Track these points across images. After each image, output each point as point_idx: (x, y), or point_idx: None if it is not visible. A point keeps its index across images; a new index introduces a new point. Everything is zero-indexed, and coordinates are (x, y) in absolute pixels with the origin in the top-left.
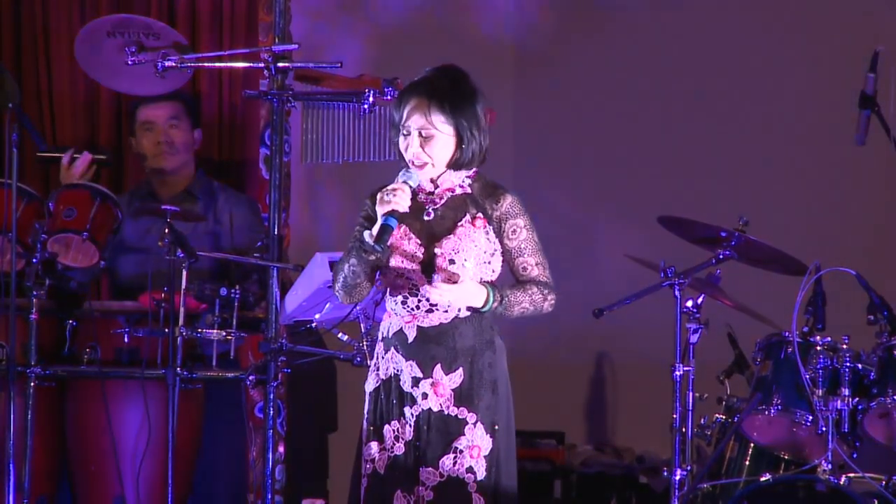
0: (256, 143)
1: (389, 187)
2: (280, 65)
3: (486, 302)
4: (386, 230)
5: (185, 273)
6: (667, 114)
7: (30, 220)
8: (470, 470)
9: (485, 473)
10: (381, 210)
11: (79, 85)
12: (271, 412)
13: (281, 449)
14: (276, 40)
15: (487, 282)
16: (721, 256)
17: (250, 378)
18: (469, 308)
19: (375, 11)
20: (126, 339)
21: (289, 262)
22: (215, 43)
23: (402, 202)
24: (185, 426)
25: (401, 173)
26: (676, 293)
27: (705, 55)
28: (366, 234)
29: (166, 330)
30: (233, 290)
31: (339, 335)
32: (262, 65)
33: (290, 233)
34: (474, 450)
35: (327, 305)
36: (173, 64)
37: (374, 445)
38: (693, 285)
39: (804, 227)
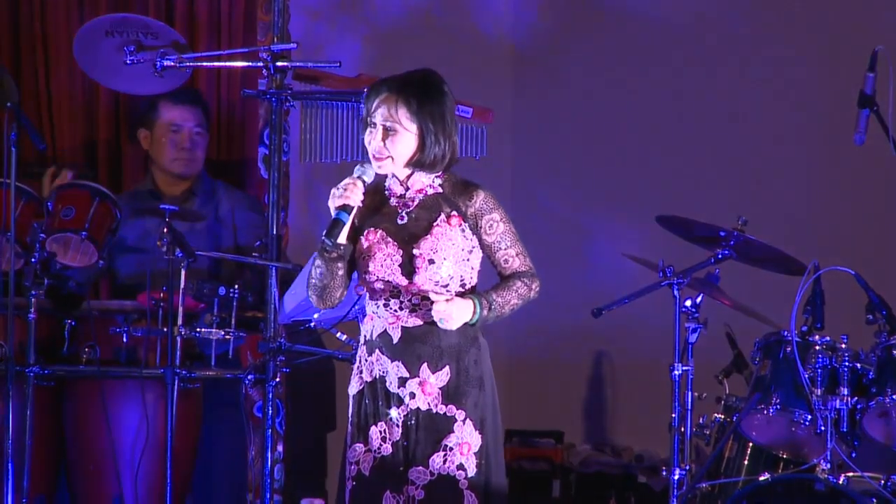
0: (255, 143)
1: (342, 183)
2: (279, 64)
3: (474, 313)
4: (336, 224)
5: (183, 272)
6: (665, 113)
7: (28, 219)
8: (460, 467)
9: (475, 470)
10: (332, 205)
11: (77, 84)
12: (270, 411)
13: (280, 448)
14: (275, 39)
15: (471, 293)
16: (720, 256)
17: (249, 377)
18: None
19: (374, 11)
20: (125, 339)
21: (288, 262)
22: (214, 42)
23: (353, 197)
24: (184, 426)
25: (356, 168)
26: (675, 293)
27: (703, 54)
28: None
29: (165, 329)
30: (231, 290)
31: (338, 334)
32: (260, 64)
33: (289, 232)
34: (464, 447)
35: None
36: (172, 63)
37: (358, 447)
38: (692, 285)
39: (803, 226)
